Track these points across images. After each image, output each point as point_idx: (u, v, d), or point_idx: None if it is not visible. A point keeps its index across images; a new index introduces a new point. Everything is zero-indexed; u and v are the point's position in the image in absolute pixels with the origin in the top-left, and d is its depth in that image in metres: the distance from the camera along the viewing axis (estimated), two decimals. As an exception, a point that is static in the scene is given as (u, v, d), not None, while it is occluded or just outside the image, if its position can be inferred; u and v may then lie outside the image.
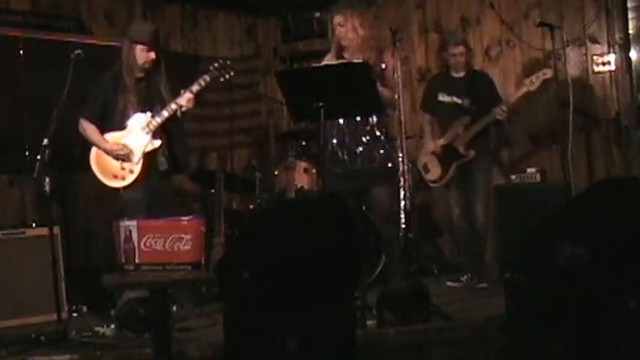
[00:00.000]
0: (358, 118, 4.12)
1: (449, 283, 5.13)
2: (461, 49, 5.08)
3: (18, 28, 5.15)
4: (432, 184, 5.24)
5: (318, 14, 6.48)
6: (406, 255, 4.24)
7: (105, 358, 3.45)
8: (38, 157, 3.90)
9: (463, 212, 5.13)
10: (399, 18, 6.27)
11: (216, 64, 4.32)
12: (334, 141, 4.16)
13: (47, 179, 3.89)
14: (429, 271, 5.48)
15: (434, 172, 5.16)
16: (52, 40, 5.24)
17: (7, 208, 5.10)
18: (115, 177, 4.32)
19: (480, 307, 4.16)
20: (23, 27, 5.18)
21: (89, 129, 4.35)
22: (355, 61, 4.06)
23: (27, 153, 4.98)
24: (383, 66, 4.10)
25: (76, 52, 4.09)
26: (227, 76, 4.33)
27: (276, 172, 5.57)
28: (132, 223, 3.24)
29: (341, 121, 4.13)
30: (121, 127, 4.33)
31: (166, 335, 3.28)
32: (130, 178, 4.30)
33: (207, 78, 4.27)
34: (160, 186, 4.39)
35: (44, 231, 4.38)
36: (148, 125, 4.28)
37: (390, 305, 3.74)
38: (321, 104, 3.73)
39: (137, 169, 4.29)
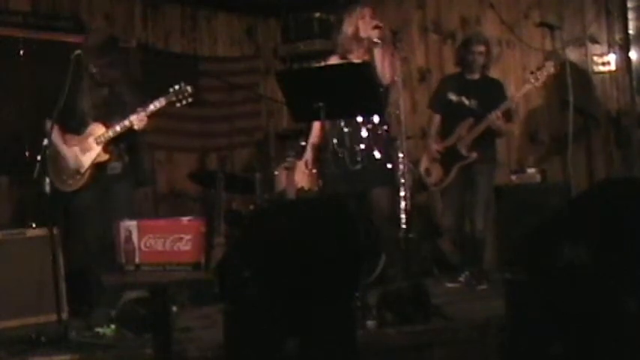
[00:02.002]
0: (359, 119, 4.13)
1: (449, 284, 5.12)
2: (482, 48, 4.98)
3: (18, 28, 5.16)
4: (432, 188, 5.20)
5: (318, 14, 6.48)
6: (406, 255, 4.24)
7: (105, 358, 3.45)
8: (38, 157, 3.90)
9: (457, 220, 5.09)
10: (399, 18, 6.27)
11: (177, 87, 4.24)
12: (334, 141, 4.17)
13: (47, 179, 3.89)
14: (429, 271, 5.48)
15: (435, 174, 5.10)
16: (52, 40, 5.25)
17: (7, 208, 5.10)
18: (63, 180, 4.34)
19: (480, 307, 4.16)
20: (23, 27, 5.19)
21: (54, 130, 4.26)
22: (355, 61, 4.07)
23: (27, 153, 4.98)
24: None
25: (76, 52, 4.08)
26: (184, 102, 4.24)
27: (276, 172, 5.57)
28: (132, 224, 3.25)
29: (341, 121, 4.14)
30: (79, 131, 4.33)
31: (166, 335, 3.28)
32: (75, 186, 4.33)
33: (163, 101, 4.22)
34: (114, 190, 4.37)
35: (44, 231, 4.38)
36: (100, 136, 4.28)
37: (390, 305, 3.73)
38: (321, 104, 3.73)
39: (82, 178, 4.31)
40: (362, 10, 4.19)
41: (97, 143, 4.29)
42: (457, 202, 5.11)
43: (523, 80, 5.08)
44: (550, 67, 4.76)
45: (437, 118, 5.18)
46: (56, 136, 4.33)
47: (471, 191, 5.00)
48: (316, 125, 4.24)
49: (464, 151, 4.94)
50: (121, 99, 4.35)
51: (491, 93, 4.98)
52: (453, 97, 5.04)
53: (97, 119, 4.31)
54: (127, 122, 4.23)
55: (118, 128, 4.25)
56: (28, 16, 5.27)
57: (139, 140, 4.55)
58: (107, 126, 4.28)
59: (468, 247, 5.13)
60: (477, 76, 5.04)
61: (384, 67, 4.01)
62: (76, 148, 4.32)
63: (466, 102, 4.99)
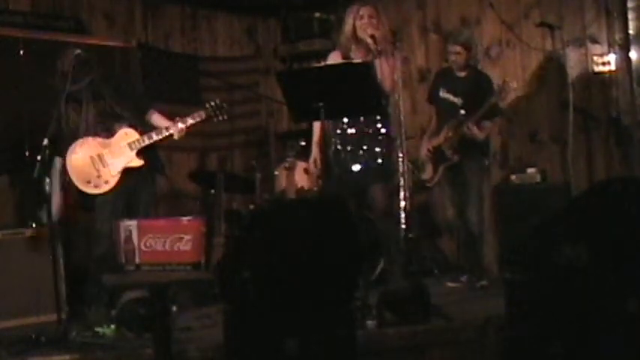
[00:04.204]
0: (360, 119, 4.13)
1: (449, 284, 5.13)
2: (457, 48, 5.00)
3: (18, 28, 5.16)
4: (426, 184, 5.25)
5: (318, 14, 6.48)
6: (406, 255, 4.24)
7: (105, 358, 3.45)
8: (38, 157, 3.90)
9: (457, 213, 5.12)
10: (399, 18, 6.28)
11: (213, 103, 4.35)
12: (337, 142, 4.17)
13: (47, 179, 3.89)
14: (429, 271, 5.49)
15: (427, 171, 5.19)
16: (52, 40, 5.25)
17: (7, 208, 5.10)
18: (89, 183, 4.31)
19: (480, 307, 4.16)
20: (23, 27, 5.19)
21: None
22: (355, 61, 4.06)
23: (27, 153, 4.98)
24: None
25: (76, 52, 4.09)
26: (220, 118, 4.37)
27: (276, 172, 5.57)
28: (132, 223, 3.25)
29: (344, 120, 4.14)
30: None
31: (166, 335, 3.28)
32: (105, 188, 4.31)
33: (203, 114, 4.32)
34: (138, 186, 4.39)
35: (44, 231, 4.39)
36: (135, 142, 4.30)
37: (390, 305, 3.73)
38: (321, 104, 3.73)
39: (113, 181, 4.30)
40: (359, 9, 4.13)
41: (131, 149, 4.30)
42: (450, 199, 5.17)
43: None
44: (511, 85, 4.86)
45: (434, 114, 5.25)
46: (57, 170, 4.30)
47: (462, 189, 5.02)
48: (317, 125, 4.24)
49: (448, 153, 4.98)
50: (115, 110, 4.35)
51: (477, 90, 5.00)
52: (443, 93, 5.10)
53: (96, 133, 4.32)
54: (164, 132, 4.30)
55: (154, 136, 4.30)
56: (28, 16, 5.27)
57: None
58: (141, 132, 4.31)
59: (466, 243, 5.15)
60: (463, 73, 5.09)
61: (384, 77, 3.98)
62: (105, 152, 4.31)
63: (454, 100, 5.04)
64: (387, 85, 4.00)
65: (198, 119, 4.33)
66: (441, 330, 3.69)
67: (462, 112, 4.95)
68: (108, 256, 4.10)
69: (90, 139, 4.33)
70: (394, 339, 3.59)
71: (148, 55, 5.96)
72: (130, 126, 4.34)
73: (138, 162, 4.32)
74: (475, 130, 4.88)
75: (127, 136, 4.32)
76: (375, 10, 4.13)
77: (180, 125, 4.29)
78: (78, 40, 5.17)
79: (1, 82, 5.06)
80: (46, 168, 3.93)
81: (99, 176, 4.30)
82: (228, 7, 6.64)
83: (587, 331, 2.68)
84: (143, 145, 4.30)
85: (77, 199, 4.34)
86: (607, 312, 2.67)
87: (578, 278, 2.71)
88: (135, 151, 4.30)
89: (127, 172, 4.33)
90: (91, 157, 4.31)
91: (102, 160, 4.31)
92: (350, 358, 2.94)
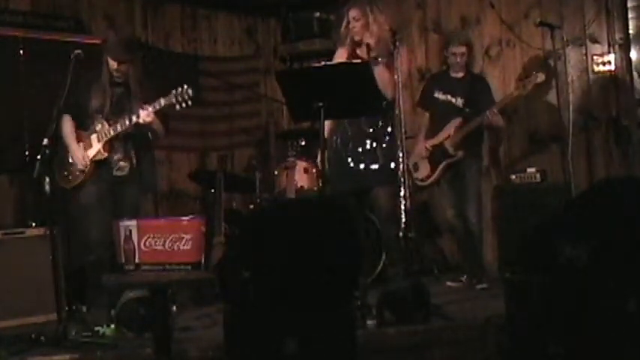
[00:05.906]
0: (363, 118, 4.13)
1: (449, 283, 5.13)
2: (462, 49, 5.04)
3: (18, 28, 5.16)
4: (419, 183, 5.23)
5: (318, 14, 6.48)
6: (406, 255, 4.24)
7: (105, 358, 3.45)
8: (38, 157, 3.91)
9: (457, 212, 5.12)
10: (399, 18, 6.27)
11: (179, 89, 4.21)
12: (337, 140, 4.17)
13: (47, 179, 3.90)
14: (429, 271, 5.49)
15: (423, 170, 5.16)
16: (52, 40, 5.25)
17: (7, 208, 5.10)
18: (63, 178, 4.40)
19: (480, 307, 4.16)
20: (23, 27, 5.19)
21: (67, 124, 4.37)
22: (355, 61, 4.06)
23: (27, 153, 4.98)
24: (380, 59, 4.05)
25: (76, 52, 4.09)
26: (183, 105, 4.21)
27: (276, 172, 5.57)
28: (132, 223, 3.25)
29: (346, 120, 4.14)
30: (88, 128, 4.36)
31: (166, 335, 3.28)
32: (74, 182, 4.37)
33: (163, 102, 4.22)
34: (120, 193, 4.40)
35: (44, 231, 4.39)
36: (101, 133, 4.31)
37: (390, 305, 3.74)
38: (321, 104, 3.73)
39: (81, 175, 4.34)
40: (347, 12, 4.14)
41: (98, 140, 4.31)
42: (448, 198, 5.16)
43: (514, 87, 5.04)
44: (538, 77, 4.83)
45: (426, 115, 5.25)
46: (68, 131, 4.36)
47: (460, 188, 5.02)
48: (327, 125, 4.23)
49: (451, 150, 4.99)
50: (132, 98, 4.35)
51: (476, 91, 5.03)
52: (439, 95, 5.11)
53: (107, 117, 4.33)
54: (127, 121, 4.25)
55: (119, 127, 4.27)
56: (28, 16, 5.27)
57: (150, 145, 4.58)
58: (110, 124, 4.30)
59: (465, 242, 5.15)
60: (461, 74, 5.11)
61: (383, 81, 3.96)
62: (81, 145, 4.34)
63: (452, 101, 5.05)
64: (387, 88, 3.99)
65: (158, 107, 4.23)
66: (441, 330, 3.69)
67: (468, 111, 4.95)
68: (100, 262, 4.12)
69: (78, 132, 4.37)
70: (394, 339, 3.59)
71: (148, 55, 5.96)
72: (109, 118, 4.33)
73: (103, 154, 4.31)
74: (497, 116, 4.89)
75: (97, 128, 4.32)
76: (361, 12, 4.11)
77: (145, 111, 4.21)
78: (78, 40, 5.17)
79: (1, 82, 5.06)
80: (46, 168, 3.94)
81: (72, 170, 4.37)
82: (228, 7, 6.64)
83: (587, 331, 2.69)
84: (109, 135, 4.29)
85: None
86: (607, 312, 2.68)
87: (578, 278, 2.72)
88: (102, 143, 4.30)
89: (108, 174, 4.36)
90: (71, 150, 4.36)
91: (75, 154, 4.35)
92: (350, 358, 2.94)
